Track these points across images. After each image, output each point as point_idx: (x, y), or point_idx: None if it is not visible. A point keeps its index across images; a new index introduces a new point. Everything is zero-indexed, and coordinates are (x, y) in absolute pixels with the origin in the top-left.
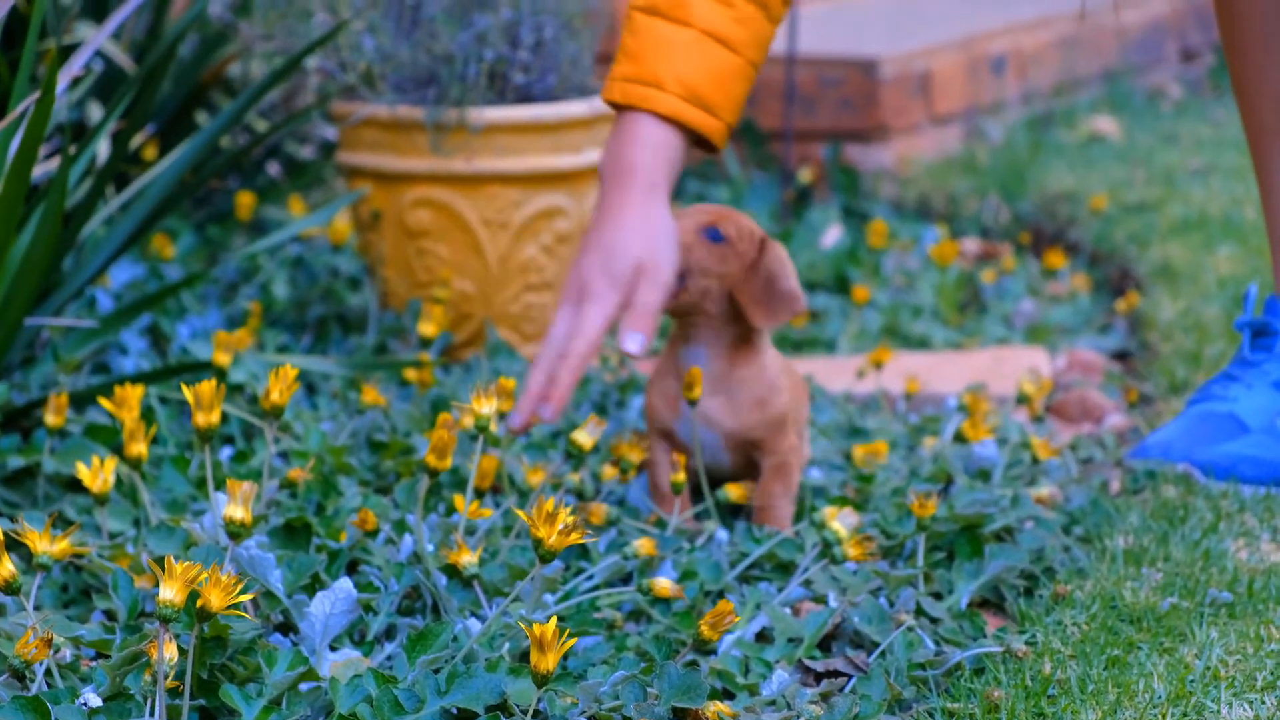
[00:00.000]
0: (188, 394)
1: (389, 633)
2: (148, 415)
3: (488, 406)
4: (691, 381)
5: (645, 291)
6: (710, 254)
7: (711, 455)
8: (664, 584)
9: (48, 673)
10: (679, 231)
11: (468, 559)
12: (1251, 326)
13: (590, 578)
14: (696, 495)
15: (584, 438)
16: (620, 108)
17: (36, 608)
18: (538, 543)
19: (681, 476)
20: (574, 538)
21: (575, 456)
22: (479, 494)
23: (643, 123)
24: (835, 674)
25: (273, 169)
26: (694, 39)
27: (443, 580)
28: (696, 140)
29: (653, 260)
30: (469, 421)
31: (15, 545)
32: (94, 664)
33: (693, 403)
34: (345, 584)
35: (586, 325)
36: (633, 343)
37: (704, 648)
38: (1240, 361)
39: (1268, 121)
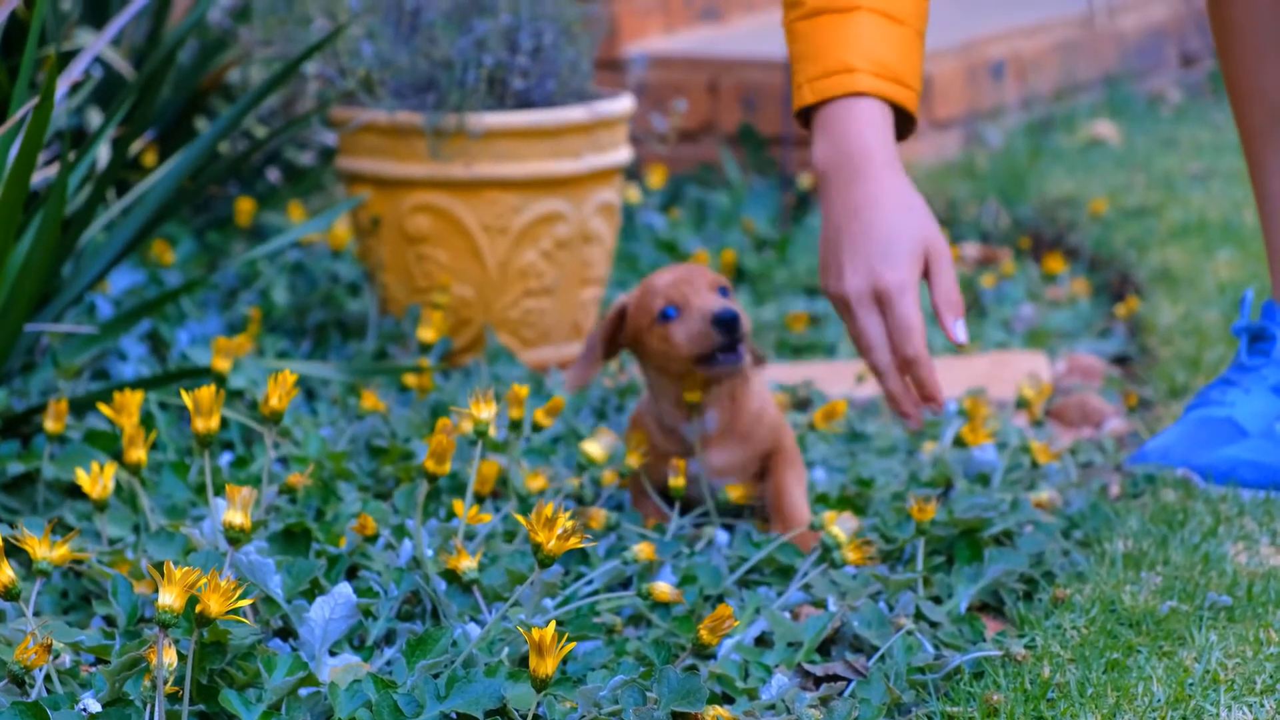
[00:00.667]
0: (187, 400)
1: (388, 638)
2: (147, 421)
3: (486, 411)
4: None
5: (943, 276)
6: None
7: (726, 481)
8: (663, 588)
9: (47, 678)
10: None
11: (467, 564)
12: (1249, 331)
13: (590, 582)
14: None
15: (595, 450)
16: (815, 110)
17: (36, 613)
18: (537, 547)
19: (681, 481)
20: (573, 542)
21: (584, 468)
22: (479, 499)
23: (850, 106)
24: (835, 678)
25: (273, 175)
26: (865, 19)
27: (442, 585)
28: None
29: (935, 236)
30: (468, 426)
31: (15, 551)
32: (93, 669)
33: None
34: (345, 589)
35: (909, 322)
36: (963, 331)
37: (703, 652)
38: (1238, 366)
39: (1262, 127)
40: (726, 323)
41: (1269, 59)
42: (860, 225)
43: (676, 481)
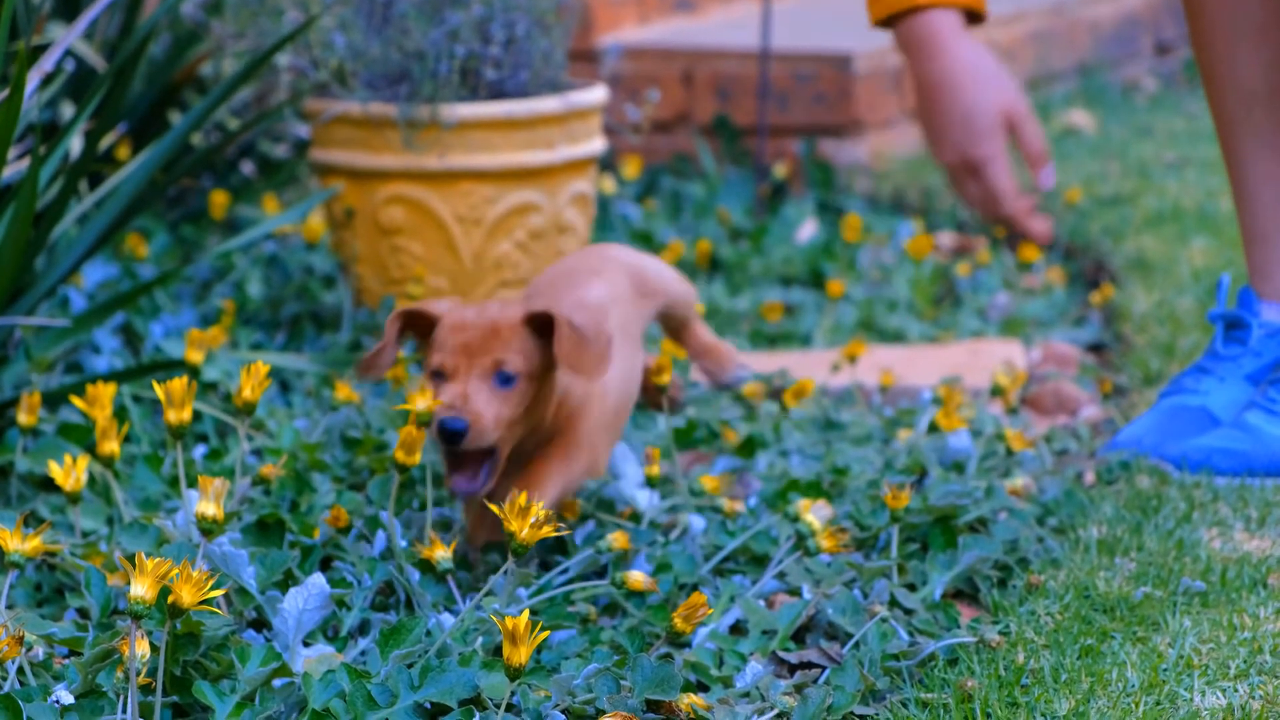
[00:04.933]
0: (159, 392)
1: (363, 628)
2: (121, 414)
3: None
4: None
5: (1026, 134)
6: (511, 401)
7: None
8: (638, 577)
9: (20, 671)
10: (476, 413)
11: (441, 554)
12: (1224, 319)
13: (565, 572)
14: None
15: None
16: (889, 24)
17: (9, 606)
18: (510, 537)
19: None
20: (546, 531)
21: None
22: None
23: (919, 16)
24: (809, 665)
25: (247, 168)
26: None
27: (416, 575)
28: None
29: (1011, 101)
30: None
31: None
32: (66, 662)
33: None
34: (318, 580)
35: (997, 189)
36: (1049, 176)
37: (678, 640)
38: (1212, 354)
39: (1237, 114)
40: (448, 435)
41: (1242, 45)
42: (942, 103)
43: (660, 378)
